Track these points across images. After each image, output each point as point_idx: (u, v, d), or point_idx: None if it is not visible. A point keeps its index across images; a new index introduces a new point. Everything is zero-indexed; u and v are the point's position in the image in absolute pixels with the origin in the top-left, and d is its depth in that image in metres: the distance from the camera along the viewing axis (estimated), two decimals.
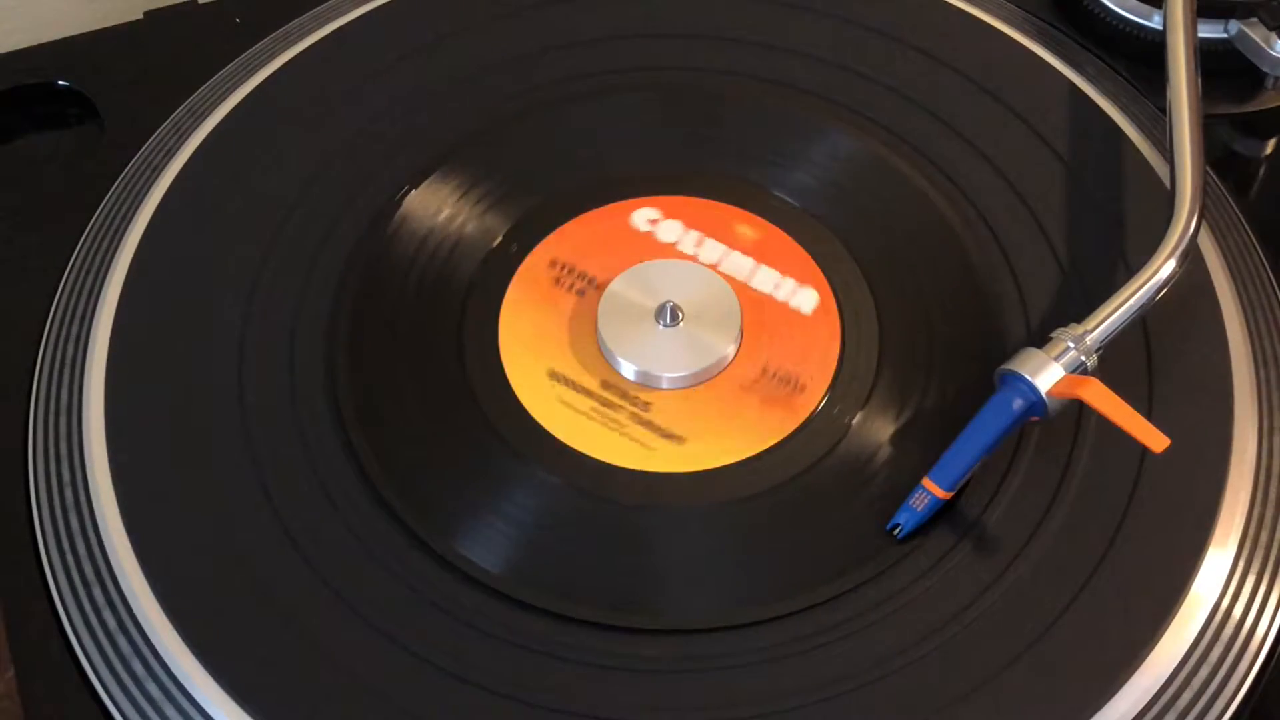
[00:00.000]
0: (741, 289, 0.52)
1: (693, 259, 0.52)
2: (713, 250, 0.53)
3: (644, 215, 0.53)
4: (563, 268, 0.53)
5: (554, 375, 0.50)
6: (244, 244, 0.52)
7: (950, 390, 0.49)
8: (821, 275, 0.52)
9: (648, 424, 0.49)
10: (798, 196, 0.54)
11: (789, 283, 0.52)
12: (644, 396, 0.50)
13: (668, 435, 0.49)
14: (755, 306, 0.51)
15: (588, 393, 0.50)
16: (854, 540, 0.46)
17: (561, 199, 0.54)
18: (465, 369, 0.50)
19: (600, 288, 0.52)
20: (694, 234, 0.53)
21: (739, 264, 0.52)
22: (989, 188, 0.54)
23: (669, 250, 0.53)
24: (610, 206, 0.54)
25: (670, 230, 0.53)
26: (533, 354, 0.51)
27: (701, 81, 0.57)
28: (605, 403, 0.49)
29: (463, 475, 0.48)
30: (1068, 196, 0.53)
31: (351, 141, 0.55)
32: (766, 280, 0.52)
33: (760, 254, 0.53)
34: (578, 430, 0.49)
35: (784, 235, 0.53)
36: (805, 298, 0.52)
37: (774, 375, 0.50)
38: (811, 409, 0.49)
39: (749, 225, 0.53)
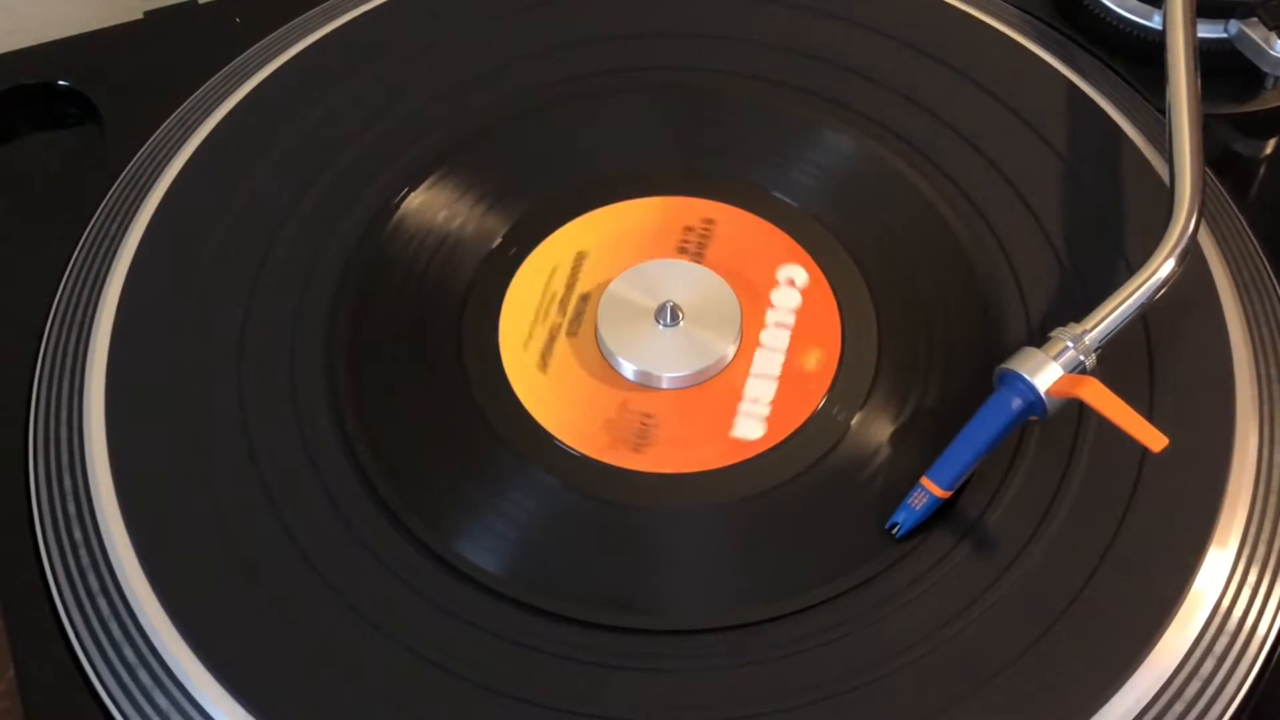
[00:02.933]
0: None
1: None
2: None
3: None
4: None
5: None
6: (244, 244, 0.52)
7: (950, 390, 0.49)
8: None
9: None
10: (798, 196, 0.54)
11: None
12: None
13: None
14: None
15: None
16: (854, 540, 0.46)
17: (561, 200, 0.54)
18: (465, 369, 0.50)
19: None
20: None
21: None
22: (989, 188, 0.54)
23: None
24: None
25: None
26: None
27: (701, 81, 0.57)
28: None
29: (463, 475, 0.48)
30: (1068, 196, 0.53)
31: (351, 142, 0.55)
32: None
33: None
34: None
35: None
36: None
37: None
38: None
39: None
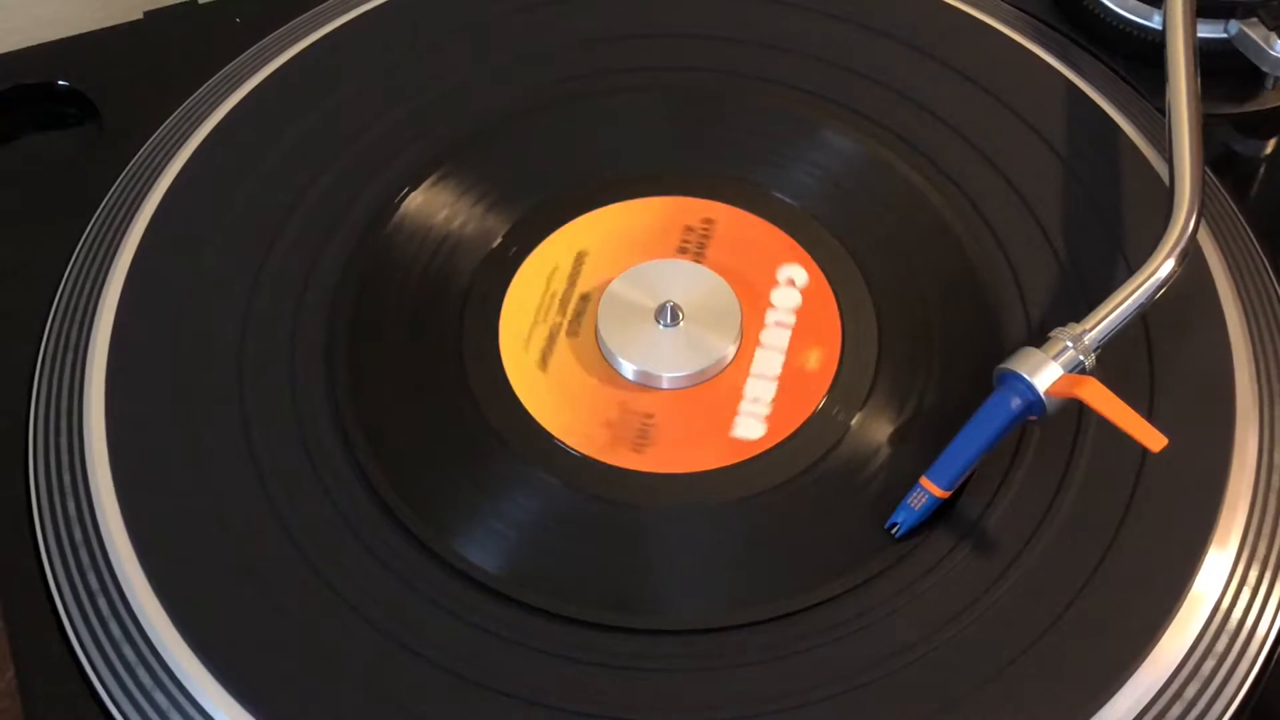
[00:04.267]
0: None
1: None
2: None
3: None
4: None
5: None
6: (244, 244, 0.52)
7: (950, 390, 0.49)
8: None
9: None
10: (798, 196, 0.54)
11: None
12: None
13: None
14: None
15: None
16: (854, 540, 0.46)
17: (561, 199, 0.54)
18: (465, 369, 0.50)
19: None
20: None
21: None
22: (989, 188, 0.54)
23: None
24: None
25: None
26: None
27: (701, 81, 0.57)
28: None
29: (463, 475, 0.48)
30: (1068, 196, 0.53)
31: (351, 141, 0.55)
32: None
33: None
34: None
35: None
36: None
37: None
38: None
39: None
